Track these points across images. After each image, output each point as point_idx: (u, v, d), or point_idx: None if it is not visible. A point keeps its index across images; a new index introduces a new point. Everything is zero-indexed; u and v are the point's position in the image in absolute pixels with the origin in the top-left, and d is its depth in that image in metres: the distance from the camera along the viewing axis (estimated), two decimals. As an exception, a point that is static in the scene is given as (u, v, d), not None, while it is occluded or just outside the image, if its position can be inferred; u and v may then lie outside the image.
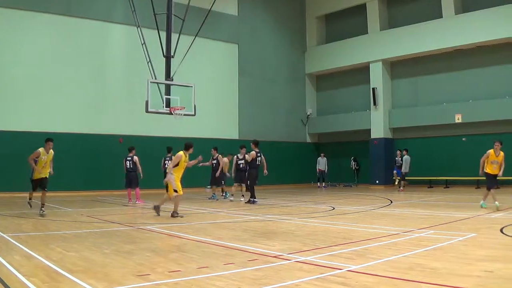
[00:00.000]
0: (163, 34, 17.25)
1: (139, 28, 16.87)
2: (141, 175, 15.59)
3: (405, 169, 21.07)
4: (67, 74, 20.18)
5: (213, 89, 24.03)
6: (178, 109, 16.70)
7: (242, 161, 15.88)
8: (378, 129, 24.92)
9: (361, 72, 26.02)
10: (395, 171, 22.23)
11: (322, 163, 25.64)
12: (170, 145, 17.42)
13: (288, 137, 27.49)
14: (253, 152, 15.17)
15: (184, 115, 16.91)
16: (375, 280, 4.73)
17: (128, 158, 15.67)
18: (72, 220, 10.63)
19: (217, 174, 16.91)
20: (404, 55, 24.15)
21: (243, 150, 15.97)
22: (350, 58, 26.22)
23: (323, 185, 25.60)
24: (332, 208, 13.25)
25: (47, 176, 11.41)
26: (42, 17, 19.76)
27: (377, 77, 25.04)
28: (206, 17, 17.96)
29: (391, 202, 15.05)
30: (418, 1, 24.43)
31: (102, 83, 21.16)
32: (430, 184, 23.21)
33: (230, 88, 25.37)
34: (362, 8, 25.92)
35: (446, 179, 22.79)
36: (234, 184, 16.40)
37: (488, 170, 11.93)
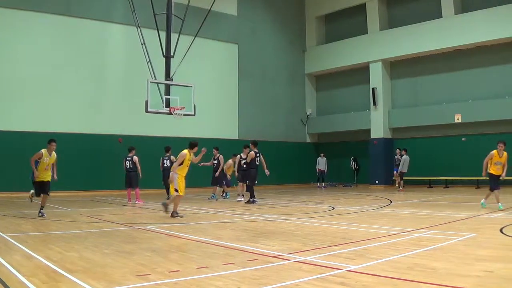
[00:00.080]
0: (163, 34, 17.23)
1: (138, 28, 16.86)
2: (140, 175, 15.60)
3: (403, 168, 21.10)
4: (67, 74, 20.19)
5: (213, 89, 24.03)
6: (177, 109, 16.70)
7: (246, 160, 15.87)
8: (378, 129, 24.92)
9: (361, 72, 26.02)
10: (395, 171, 22.24)
11: (321, 163, 25.65)
12: (169, 145, 17.47)
13: (287, 137, 27.49)
14: (252, 152, 15.20)
15: (184, 115, 16.90)
16: (374, 280, 4.73)
17: (128, 158, 15.68)
18: (71, 220, 10.62)
19: (217, 174, 16.94)
20: (403, 55, 24.16)
21: (246, 150, 15.98)
22: (349, 58, 26.23)
23: (323, 185, 25.61)
24: (332, 208, 13.25)
25: (49, 180, 11.08)
26: (42, 17, 19.75)
27: (376, 77, 25.05)
28: (205, 17, 17.95)
29: (391, 202, 15.05)
30: (418, 1, 24.44)
31: (102, 83, 21.16)
32: (430, 184, 23.21)
33: (230, 88, 25.37)
34: (361, 8, 25.93)
35: (446, 179, 22.80)
36: (239, 184, 16.36)
37: (491, 171, 11.84)
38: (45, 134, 16.90)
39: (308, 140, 28.89)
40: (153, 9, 17.01)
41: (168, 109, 16.68)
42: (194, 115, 17.20)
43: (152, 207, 14.09)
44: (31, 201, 11.77)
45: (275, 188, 23.80)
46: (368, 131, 25.33)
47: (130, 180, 15.51)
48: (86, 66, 20.70)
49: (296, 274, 5.05)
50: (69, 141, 19.19)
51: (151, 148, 19.70)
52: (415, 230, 8.29)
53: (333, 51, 27.28)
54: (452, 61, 22.90)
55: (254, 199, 15.06)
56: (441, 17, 22.61)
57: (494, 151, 11.82)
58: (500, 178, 11.87)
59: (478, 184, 21.16)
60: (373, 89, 24.88)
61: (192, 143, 11.22)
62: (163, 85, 16.97)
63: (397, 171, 21.75)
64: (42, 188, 11.03)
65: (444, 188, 22.32)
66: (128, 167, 15.57)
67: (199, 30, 17.92)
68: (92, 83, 20.85)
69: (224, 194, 17.49)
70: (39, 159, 10.85)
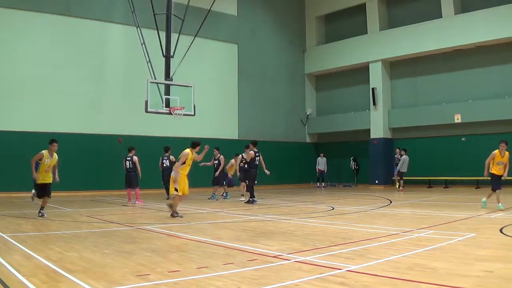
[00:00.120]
0: (163, 34, 17.24)
1: (138, 28, 16.86)
2: (140, 175, 15.59)
3: (403, 168, 21.11)
4: (67, 74, 20.19)
5: (213, 89, 24.04)
6: (177, 109, 16.70)
7: (245, 160, 15.88)
8: (378, 129, 24.93)
9: (361, 72, 26.02)
10: (395, 171, 22.22)
11: (321, 163, 25.65)
12: (168, 145, 17.52)
13: (287, 137, 27.49)
14: (251, 152, 15.22)
15: (184, 115, 16.91)
16: (374, 280, 4.73)
17: (127, 158, 15.68)
18: (71, 220, 10.62)
19: (217, 173, 16.95)
20: (403, 55, 24.16)
21: (248, 150, 16.00)
22: (349, 58, 26.23)
23: (323, 185, 25.61)
24: (332, 208, 13.25)
25: (51, 182, 10.97)
26: (42, 17, 19.76)
27: (376, 77, 25.05)
28: (205, 17, 17.95)
29: (391, 202, 15.06)
30: (418, 1, 24.44)
31: (102, 83, 21.16)
32: (430, 184, 23.21)
33: (230, 88, 25.37)
34: (361, 8, 25.93)
35: (446, 179, 22.80)
36: (241, 183, 16.36)
37: (493, 171, 11.77)
38: (45, 134, 16.91)
39: (308, 140, 28.89)
40: (153, 9, 17.01)
41: (168, 109, 16.69)
42: (194, 115, 17.21)
43: (152, 207, 14.09)
44: (33, 200, 11.73)
45: (275, 188, 23.81)
46: (368, 131, 25.33)
47: (130, 180, 15.51)
48: (86, 66, 20.71)
49: (296, 274, 5.05)
50: (69, 141, 19.18)
51: (151, 148, 19.71)
52: (415, 230, 8.29)
53: (333, 51, 27.28)
54: (452, 61, 22.90)
55: (254, 199, 15.07)
56: (441, 17, 22.61)
57: (496, 151, 11.75)
58: (502, 178, 11.85)
59: (478, 184, 21.17)
60: (373, 89, 24.88)
61: (194, 143, 11.23)
62: (163, 85, 16.97)
63: (395, 170, 21.72)
64: (43, 190, 10.93)
65: (444, 188, 22.33)
66: (128, 167, 15.57)
67: (199, 30, 17.92)
68: (92, 83, 20.86)
69: (224, 194, 17.50)
70: (39, 160, 10.72)
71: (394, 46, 24.21)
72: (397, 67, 25.17)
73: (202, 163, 15.66)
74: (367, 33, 25.67)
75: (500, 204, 11.53)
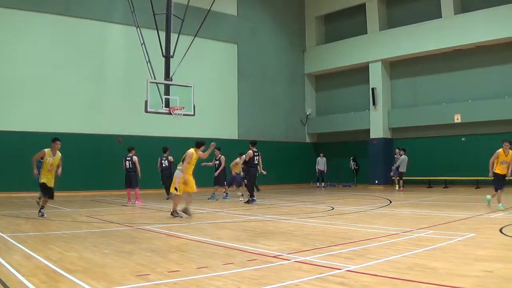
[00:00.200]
0: (163, 34, 17.23)
1: (138, 28, 16.85)
2: (139, 175, 15.59)
3: (402, 168, 21.13)
4: (67, 74, 20.19)
5: (213, 89, 24.04)
6: (177, 109, 16.70)
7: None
8: (377, 129, 24.93)
9: (361, 72, 26.02)
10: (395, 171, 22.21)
11: (321, 163, 25.65)
12: (166, 146, 17.55)
13: (287, 137, 27.49)
14: (250, 152, 15.24)
15: (184, 115, 16.90)
16: (374, 280, 4.73)
17: (127, 158, 15.69)
18: (71, 220, 10.62)
19: (216, 173, 16.95)
20: (403, 55, 24.17)
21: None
22: (349, 58, 26.23)
23: (322, 185, 25.62)
24: (331, 208, 13.25)
25: (52, 186, 10.87)
26: (42, 17, 19.76)
27: (376, 77, 25.05)
28: (205, 17, 17.94)
29: (390, 202, 15.06)
30: (417, 1, 24.45)
31: (102, 83, 21.17)
32: (429, 184, 23.21)
33: (229, 88, 25.37)
34: (361, 8, 25.93)
35: (445, 179, 22.80)
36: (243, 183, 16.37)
37: (497, 170, 11.70)
38: (45, 134, 16.91)
39: (307, 140, 28.90)
40: (152, 9, 17.00)
41: (167, 109, 16.68)
42: (193, 115, 17.20)
43: (151, 207, 14.10)
44: (38, 204, 11.40)
45: (275, 188, 23.80)
46: (368, 131, 25.33)
47: (130, 180, 15.51)
48: (86, 66, 20.71)
49: (296, 274, 5.05)
50: (69, 141, 19.11)
51: (150, 148, 19.69)
52: (414, 230, 8.30)
53: (333, 51, 27.28)
54: (451, 61, 22.90)
55: (253, 198, 15.09)
56: (441, 17, 22.62)
57: (500, 150, 11.67)
58: (506, 177, 11.75)
59: (477, 184, 21.18)
60: (372, 89, 24.88)
61: (198, 142, 11.18)
62: (163, 85, 16.97)
63: (395, 171, 21.70)
64: (47, 191, 10.83)
65: (443, 188, 22.33)
66: (127, 167, 15.57)
67: (198, 30, 17.91)
68: (92, 83, 20.86)
69: (224, 195, 17.49)
70: (41, 158, 10.68)
71: (394, 46, 24.22)
72: (397, 67, 25.17)
73: (204, 163, 15.66)
74: (367, 33, 25.68)
75: (500, 204, 11.52)
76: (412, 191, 20.36)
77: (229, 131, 24.77)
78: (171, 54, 17.34)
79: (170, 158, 17.37)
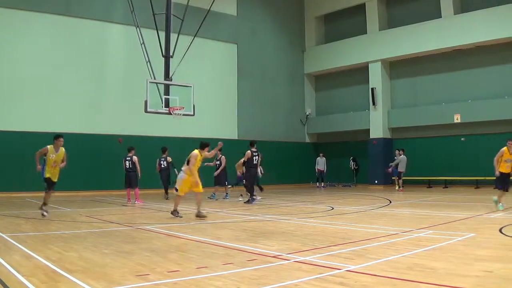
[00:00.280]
0: (162, 34, 17.24)
1: (138, 28, 16.85)
2: (139, 175, 15.59)
3: (401, 168, 21.16)
4: (67, 74, 20.20)
5: (212, 89, 24.04)
6: (177, 109, 16.70)
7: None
8: (377, 129, 24.94)
9: (360, 72, 26.03)
10: (395, 171, 22.21)
11: (321, 163, 25.65)
12: (165, 146, 17.55)
13: (287, 137, 27.50)
14: (248, 152, 15.26)
15: (183, 115, 16.91)
16: (374, 280, 4.73)
17: (127, 158, 15.68)
18: (71, 220, 10.62)
19: (215, 173, 16.95)
20: (403, 55, 24.18)
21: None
22: (349, 58, 26.24)
23: (322, 185, 25.62)
24: (331, 208, 13.25)
25: (55, 181, 11.00)
26: (42, 17, 19.76)
27: (376, 77, 25.06)
28: (205, 17, 17.95)
29: (390, 202, 15.06)
30: (417, 1, 24.45)
31: (101, 83, 21.17)
32: (429, 184, 23.22)
33: (229, 88, 25.38)
34: (361, 8, 25.94)
35: (445, 179, 22.80)
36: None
37: (501, 169, 11.55)
38: (45, 134, 16.90)
39: (307, 140, 28.90)
40: (152, 9, 17.01)
41: (167, 109, 16.69)
42: (193, 115, 17.21)
43: (151, 207, 14.10)
44: (44, 215, 11.07)
45: (275, 188, 23.79)
46: (368, 131, 25.34)
47: (130, 180, 15.50)
48: (86, 66, 20.71)
49: (296, 274, 5.05)
50: (69, 141, 18.92)
51: (150, 148, 19.68)
52: (414, 230, 8.30)
53: (333, 51, 27.29)
54: (451, 61, 22.91)
55: (254, 197, 15.12)
56: (441, 17, 22.63)
57: (504, 148, 11.50)
58: (510, 177, 11.58)
59: (477, 184, 21.20)
60: (372, 89, 24.89)
61: (203, 144, 11.12)
62: (163, 85, 16.98)
63: (394, 171, 21.69)
64: (51, 185, 10.95)
65: (443, 188, 22.33)
66: (127, 167, 15.57)
67: (198, 30, 17.92)
68: (92, 83, 20.87)
69: (225, 194, 17.49)
70: (44, 155, 10.79)
71: (394, 46, 24.23)
72: (397, 67, 25.18)
73: (206, 163, 15.67)
74: (366, 33, 25.68)
75: (500, 204, 11.50)
76: (412, 191, 20.36)
77: (229, 131, 24.76)
78: (171, 54, 17.34)
79: (169, 158, 17.39)
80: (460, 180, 22.28)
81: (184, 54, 17.27)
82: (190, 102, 17.02)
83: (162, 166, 17.24)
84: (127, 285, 4.60)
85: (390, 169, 21.94)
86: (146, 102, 16.20)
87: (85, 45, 20.77)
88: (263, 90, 26.62)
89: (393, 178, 22.71)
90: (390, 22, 25.41)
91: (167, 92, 16.92)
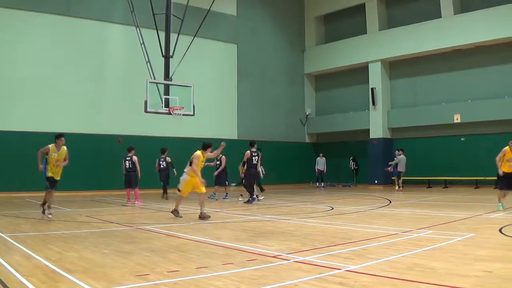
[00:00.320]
0: (162, 34, 17.24)
1: (138, 28, 16.85)
2: (139, 175, 15.59)
3: (400, 168, 21.17)
4: (67, 74, 20.20)
5: (212, 89, 24.04)
6: (177, 109, 16.70)
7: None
8: (377, 129, 24.93)
9: (360, 72, 26.03)
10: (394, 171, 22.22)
11: (320, 163, 25.65)
12: (164, 147, 17.56)
13: (286, 137, 27.50)
14: (247, 152, 15.27)
15: (183, 115, 16.91)
16: (373, 280, 4.73)
17: (127, 158, 15.68)
18: (71, 220, 10.62)
19: (215, 173, 16.95)
20: (403, 55, 24.18)
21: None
22: (349, 58, 26.24)
23: (322, 185, 25.61)
24: (331, 208, 13.25)
25: (58, 179, 11.00)
26: (42, 17, 19.76)
27: (376, 77, 25.06)
28: (205, 17, 17.95)
29: (390, 202, 15.06)
30: (417, 1, 24.45)
31: (101, 83, 21.18)
32: (429, 184, 23.22)
33: (229, 88, 25.38)
34: (361, 8, 25.94)
35: (445, 179, 22.80)
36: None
37: (503, 168, 11.48)
38: (45, 134, 16.90)
39: (307, 140, 28.90)
40: (152, 9, 17.01)
41: (167, 109, 16.69)
42: (193, 115, 17.21)
43: (151, 207, 14.10)
44: (44, 213, 11.05)
45: (274, 188, 23.77)
46: (367, 131, 25.34)
47: (130, 180, 15.50)
48: (86, 66, 20.71)
49: (295, 274, 5.05)
50: (69, 141, 18.75)
51: (150, 148, 19.67)
52: (414, 230, 8.30)
53: (332, 51, 27.29)
54: (451, 61, 22.91)
55: (254, 197, 15.13)
56: (440, 17, 22.63)
57: (507, 148, 11.43)
58: None
59: (477, 184, 21.20)
60: (372, 89, 24.89)
61: (205, 145, 11.01)
62: (162, 85, 16.97)
63: (394, 171, 21.69)
64: (54, 184, 10.91)
65: (443, 188, 22.33)
66: (127, 167, 15.57)
67: (198, 30, 17.91)
68: (92, 83, 20.87)
69: (224, 194, 17.49)
70: (46, 154, 10.81)
71: (394, 46, 24.23)
72: (397, 67, 25.18)
73: (206, 163, 15.66)
74: (366, 33, 25.68)
75: (500, 204, 11.49)
76: (411, 191, 20.37)
77: (229, 131, 24.75)
78: (171, 54, 17.34)
79: (168, 159, 17.42)
80: (460, 180, 22.28)
81: (184, 54, 17.26)
82: (190, 102, 17.01)
83: (162, 166, 17.25)
84: (127, 285, 4.60)
85: (389, 168, 21.95)
86: (146, 102, 16.19)
87: (85, 45, 20.77)
88: (263, 90, 26.62)
89: (392, 178, 22.71)
90: (390, 22, 25.41)
91: (167, 92, 16.92)
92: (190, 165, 10.72)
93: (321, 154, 25.94)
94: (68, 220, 10.51)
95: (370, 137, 25.21)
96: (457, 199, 15.98)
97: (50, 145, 10.90)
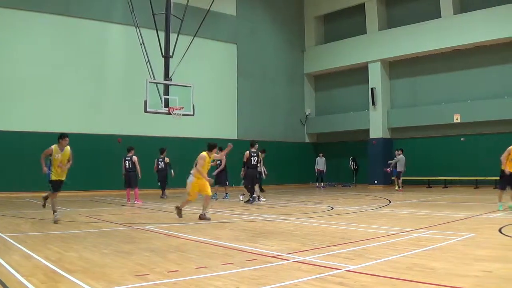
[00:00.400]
0: (162, 34, 17.25)
1: (138, 28, 16.86)
2: (139, 175, 15.59)
3: (400, 167, 21.18)
4: (67, 74, 20.19)
5: (212, 89, 24.03)
6: (176, 109, 16.71)
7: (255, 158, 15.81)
8: (377, 129, 24.94)
9: (360, 72, 26.03)
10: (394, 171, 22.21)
11: (320, 163, 25.65)
12: (163, 147, 17.55)
13: (286, 137, 27.50)
14: (247, 152, 15.29)
15: (183, 115, 16.92)
16: (373, 280, 4.74)
17: (127, 158, 15.68)
18: (70, 220, 10.63)
19: (215, 173, 16.95)
20: (402, 55, 24.18)
21: (263, 152, 15.99)
22: (348, 58, 26.24)
23: (322, 185, 25.61)
24: (331, 208, 13.25)
25: (63, 180, 10.57)
26: (42, 17, 19.76)
27: (375, 77, 25.06)
28: (204, 17, 17.96)
29: (390, 202, 15.06)
30: (417, 1, 24.45)
31: (101, 83, 21.17)
32: (429, 184, 23.23)
33: (229, 88, 25.37)
34: (360, 8, 25.94)
35: (445, 179, 22.81)
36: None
37: (508, 167, 11.27)
38: (45, 134, 16.93)
39: (307, 140, 28.90)
40: (152, 9, 17.02)
41: (167, 109, 16.70)
42: (193, 115, 17.22)
43: (150, 207, 14.09)
44: (44, 206, 11.12)
45: (274, 188, 23.78)
46: (367, 131, 25.34)
47: (129, 180, 15.50)
48: (86, 66, 20.71)
49: (295, 274, 5.05)
50: (69, 141, 19.11)
51: (150, 148, 19.65)
52: (414, 230, 8.30)
53: (332, 51, 27.29)
54: (451, 61, 22.91)
55: (254, 197, 15.13)
56: (440, 17, 22.63)
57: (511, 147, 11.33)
58: None
59: (477, 184, 21.21)
60: (372, 89, 24.89)
61: (210, 145, 10.81)
62: (162, 85, 16.98)
63: (394, 171, 21.67)
64: (58, 186, 10.49)
65: (443, 188, 22.34)
66: (127, 167, 15.57)
67: (198, 30, 17.92)
68: (92, 83, 20.86)
69: (224, 194, 17.49)
70: (50, 155, 10.47)
71: (393, 46, 24.23)
72: (396, 67, 25.18)
73: None
74: (366, 33, 25.68)
75: (500, 203, 11.48)
76: (411, 191, 20.37)
77: (229, 131, 24.75)
78: (171, 54, 17.35)
79: (167, 159, 17.42)
80: (459, 180, 22.28)
81: (184, 54, 17.27)
82: (190, 102, 17.02)
83: (160, 166, 17.26)
84: (127, 285, 4.60)
85: (389, 169, 21.95)
86: (145, 102, 16.20)
87: (85, 45, 20.77)
88: (263, 90, 26.62)
89: (392, 178, 22.71)
90: (390, 22, 25.41)
91: (166, 92, 16.93)
92: (196, 166, 10.64)
93: (320, 154, 25.94)
94: (67, 220, 10.51)
95: (370, 137, 25.21)
96: (457, 199, 15.98)
97: (53, 146, 10.49)
